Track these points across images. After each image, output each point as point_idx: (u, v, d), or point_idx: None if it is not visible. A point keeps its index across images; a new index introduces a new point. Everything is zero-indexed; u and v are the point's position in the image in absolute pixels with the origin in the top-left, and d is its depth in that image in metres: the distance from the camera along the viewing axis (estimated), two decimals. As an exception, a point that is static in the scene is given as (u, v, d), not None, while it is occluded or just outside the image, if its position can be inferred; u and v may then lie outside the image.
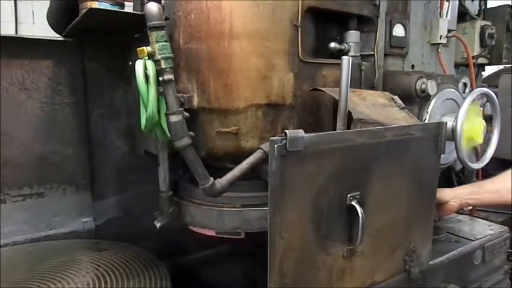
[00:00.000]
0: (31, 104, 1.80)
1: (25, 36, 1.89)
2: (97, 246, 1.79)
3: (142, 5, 1.26)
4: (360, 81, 1.64)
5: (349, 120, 1.33)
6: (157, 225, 1.45)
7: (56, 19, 1.80)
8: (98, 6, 1.51)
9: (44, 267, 1.57)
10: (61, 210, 1.91)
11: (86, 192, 1.96)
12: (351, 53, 1.61)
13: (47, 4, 1.79)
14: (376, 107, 1.46)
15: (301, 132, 1.04)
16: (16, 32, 4.56)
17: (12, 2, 4.59)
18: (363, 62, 1.66)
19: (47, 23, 1.85)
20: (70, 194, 1.92)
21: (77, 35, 1.80)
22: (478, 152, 1.79)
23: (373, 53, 1.69)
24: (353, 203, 1.18)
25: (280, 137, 1.01)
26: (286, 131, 1.02)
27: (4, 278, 1.47)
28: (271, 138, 1.02)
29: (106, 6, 1.55)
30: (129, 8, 1.66)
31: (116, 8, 1.59)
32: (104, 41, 1.85)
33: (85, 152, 1.93)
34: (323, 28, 1.60)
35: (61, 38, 1.83)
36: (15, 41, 1.82)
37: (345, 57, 1.31)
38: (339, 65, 1.31)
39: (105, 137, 1.99)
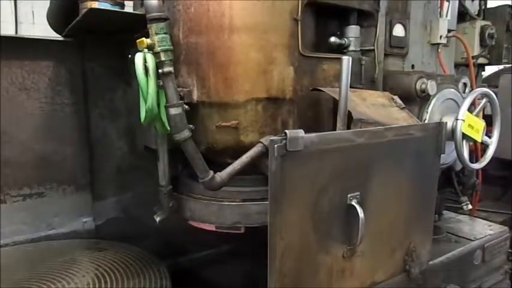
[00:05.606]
0: (31, 104, 1.80)
1: (25, 36, 1.90)
2: (97, 246, 1.79)
3: (143, 5, 1.25)
4: (360, 76, 1.64)
5: (349, 120, 1.33)
6: (157, 219, 1.45)
7: (56, 19, 1.80)
8: (98, 6, 1.51)
9: (44, 267, 1.57)
10: (61, 210, 1.91)
11: (86, 192, 1.96)
12: (351, 48, 1.61)
13: (47, 4, 1.79)
14: (376, 107, 1.46)
15: (301, 132, 1.04)
16: (16, 32, 4.58)
17: (12, 2, 4.59)
18: (363, 57, 1.66)
19: (47, 23, 1.85)
20: (70, 194, 1.92)
21: (77, 35, 1.80)
22: (478, 152, 1.79)
23: (373, 47, 1.69)
24: (353, 203, 1.18)
25: (280, 137, 1.01)
26: (286, 131, 1.02)
27: (4, 278, 1.47)
28: (271, 138, 1.02)
29: (106, 6, 1.54)
30: (129, 8, 1.66)
31: (116, 8, 1.58)
32: (104, 41, 1.85)
33: (85, 152, 1.93)
34: (323, 22, 1.60)
35: (61, 38, 1.83)
36: (15, 41, 1.82)
37: (344, 58, 1.31)
38: (339, 59, 1.31)
39: (105, 137, 1.98)
